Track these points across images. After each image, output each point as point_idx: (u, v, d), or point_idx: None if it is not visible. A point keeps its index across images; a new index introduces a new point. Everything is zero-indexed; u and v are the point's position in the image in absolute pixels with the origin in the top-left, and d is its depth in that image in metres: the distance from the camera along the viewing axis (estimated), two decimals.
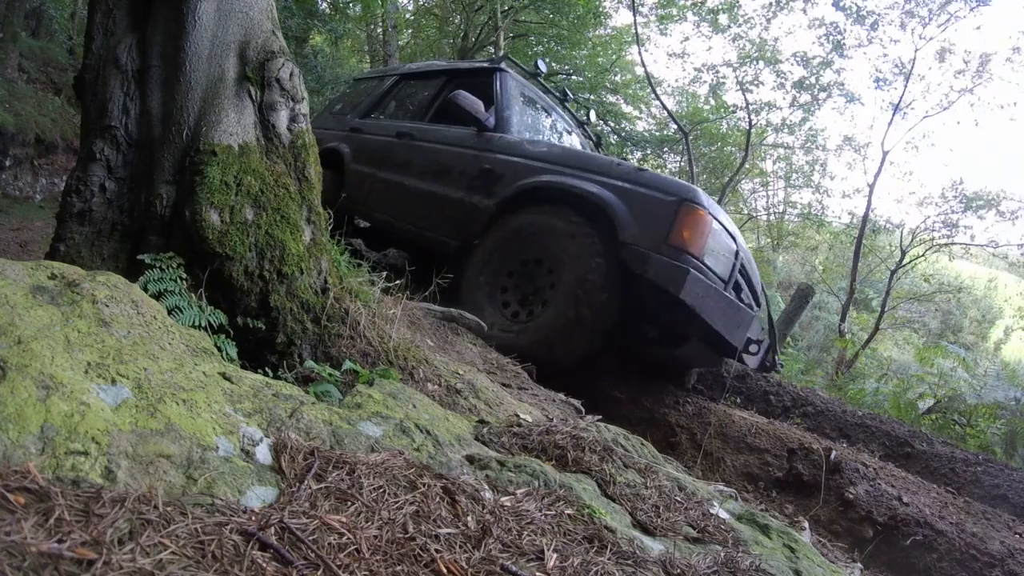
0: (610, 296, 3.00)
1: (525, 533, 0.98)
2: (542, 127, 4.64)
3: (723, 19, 13.50)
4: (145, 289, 1.63)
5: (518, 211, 3.49)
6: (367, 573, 0.76)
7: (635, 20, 11.21)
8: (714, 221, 3.05)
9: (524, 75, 4.99)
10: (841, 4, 11.94)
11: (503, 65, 4.50)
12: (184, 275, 1.78)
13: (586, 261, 3.05)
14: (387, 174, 4.51)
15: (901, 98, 12.53)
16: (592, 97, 14.80)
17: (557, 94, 5.15)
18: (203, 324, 1.72)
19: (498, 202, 3.61)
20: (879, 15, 12.26)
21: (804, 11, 17.61)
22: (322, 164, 4.90)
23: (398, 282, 2.85)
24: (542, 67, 4.91)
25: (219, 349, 1.66)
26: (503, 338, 3.18)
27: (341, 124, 5.32)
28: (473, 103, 3.94)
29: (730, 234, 3.25)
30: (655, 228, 2.97)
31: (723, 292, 3.07)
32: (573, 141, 4.96)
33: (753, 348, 3.52)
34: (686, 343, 3.72)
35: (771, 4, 12.96)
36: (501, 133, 3.97)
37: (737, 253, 3.28)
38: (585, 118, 5.40)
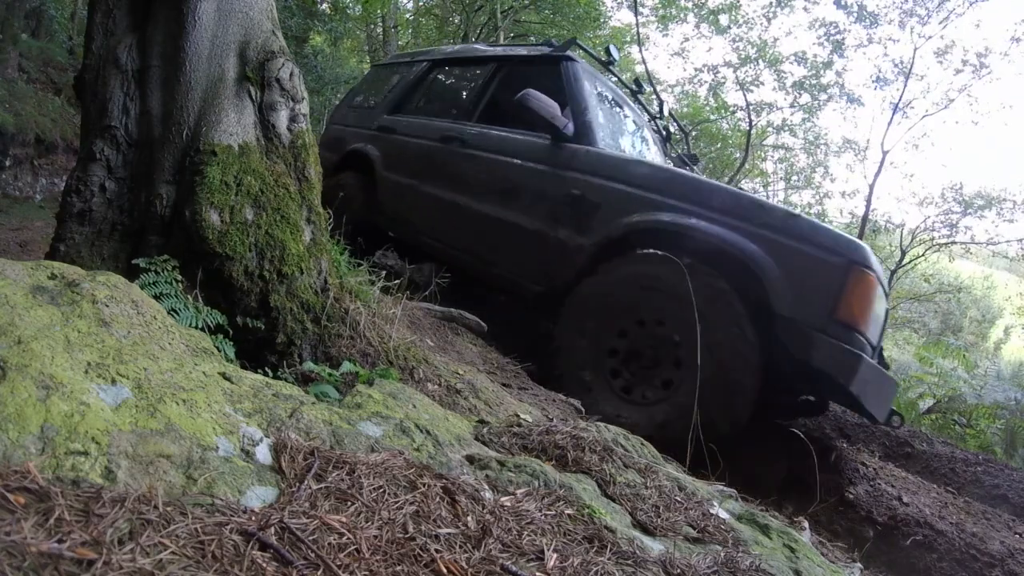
0: (759, 364, 2.45)
1: (525, 533, 0.98)
2: (620, 132, 3.75)
3: (723, 20, 13.51)
4: None
5: (625, 257, 2.75)
6: (367, 573, 0.76)
7: (636, 20, 11.22)
8: (879, 284, 2.48)
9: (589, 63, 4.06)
10: (843, 3, 11.94)
11: (570, 52, 3.60)
12: (179, 277, 1.78)
13: (729, 328, 2.45)
14: (433, 189, 3.74)
15: (901, 97, 12.55)
16: None
17: (631, 86, 4.22)
18: (200, 325, 1.72)
19: (598, 243, 2.85)
20: (877, 15, 12.28)
21: (806, 9, 17.61)
22: (349, 168, 4.58)
23: (396, 282, 2.84)
24: (615, 54, 3.94)
25: (217, 349, 1.66)
26: (624, 422, 2.41)
27: (365, 120, 4.59)
28: (548, 106, 3.11)
29: (885, 291, 2.67)
30: (819, 298, 2.38)
31: (878, 367, 2.57)
32: (652, 148, 4.16)
33: (896, 421, 2.91)
34: (822, 413, 3.19)
35: (771, 4, 12.96)
36: (586, 145, 3.13)
37: (887, 311, 2.72)
38: (658, 112, 4.57)
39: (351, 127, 4.73)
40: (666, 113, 4.68)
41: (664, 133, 4.66)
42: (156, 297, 1.66)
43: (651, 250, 2.64)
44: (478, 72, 4.13)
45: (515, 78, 3.86)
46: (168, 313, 1.63)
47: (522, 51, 4.11)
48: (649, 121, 4.42)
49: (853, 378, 2.34)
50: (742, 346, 2.42)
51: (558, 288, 2.95)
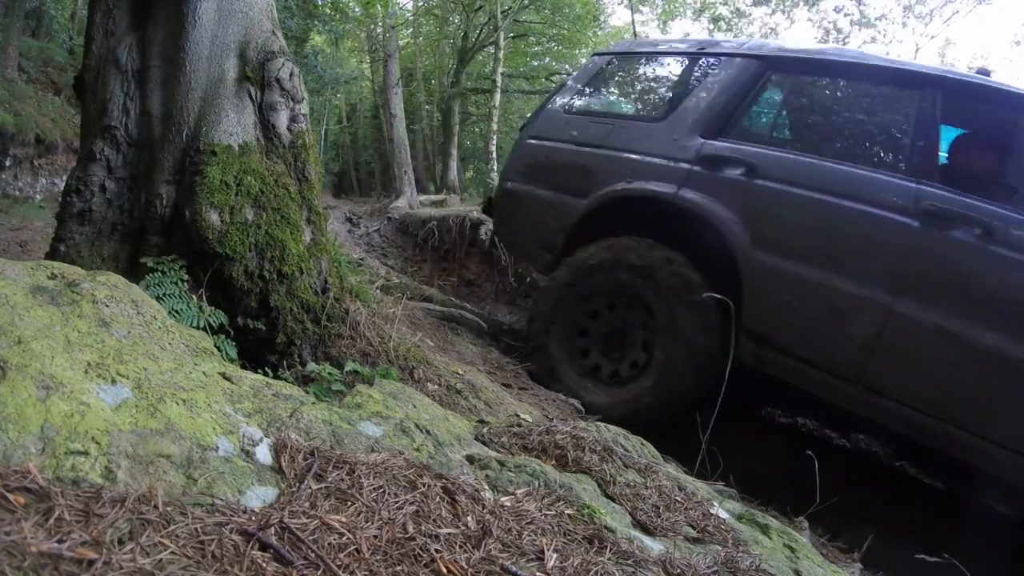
0: None
1: (525, 533, 0.98)
2: None
3: (723, 24, 13.52)
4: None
5: None
6: (367, 573, 0.76)
7: (633, 20, 11.24)
8: None
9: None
10: (841, 7, 11.97)
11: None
12: (185, 277, 1.78)
13: None
14: (946, 319, 2.13)
15: None
16: None
17: None
18: (202, 325, 1.72)
19: None
20: (878, 17, 12.30)
21: (809, 19, 17.64)
22: (616, 227, 2.65)
23: (397, 281, 2.84)
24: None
25: (218, 349, 1.67)
26: None
27: (646, 142, 2.81)
28: None
29: None
30: None
31: None
32: None
33: None
34: None
35: (772, 11, 12.97)
36: None
37: None
38: None
39: (605, 149, 2.90)
40: None
41: None
42: (160, 297, 1.67)
43: None
44: (891, 97, 2.59)
45: (974, 119, 2.53)
46: (171, 313, 1.64)
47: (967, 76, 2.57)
48: None
49: None
50: None
51: None
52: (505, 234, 3.43)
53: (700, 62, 3.02)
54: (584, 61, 3.59)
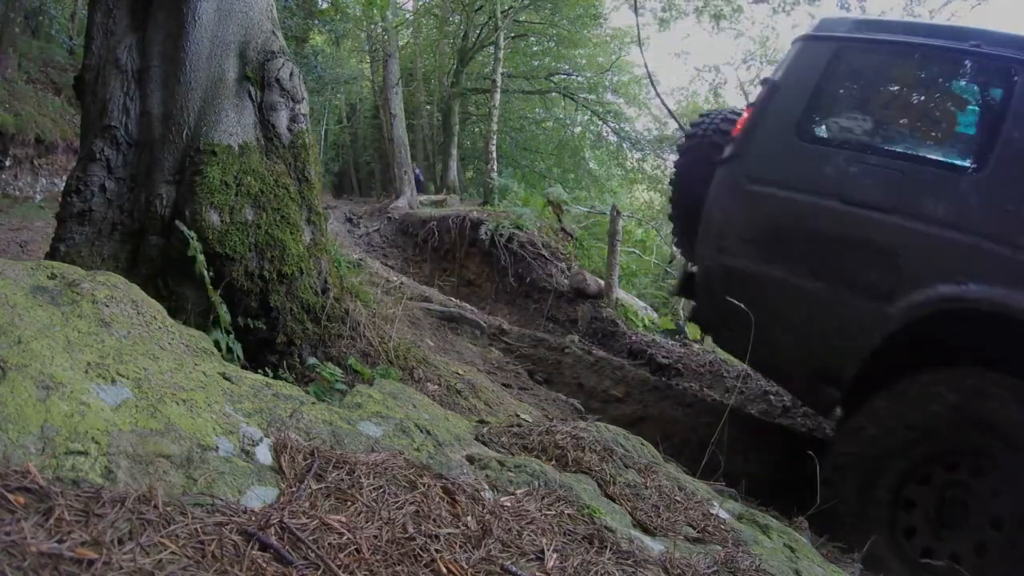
0: None
1: (525, 533, 0.98)
2: None
3: (724, 23, 13.51)
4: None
5: None
6: (367, 573, 0.76)
7: (637, 21, 11.23)
8: None
9: None
10: (846, 4, 11.96)
11: None
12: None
13: None
14: None
15: None
16: (592, 97, 14.84)
17: None
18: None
19: None
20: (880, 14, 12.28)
21: (811, 16, 17.61)
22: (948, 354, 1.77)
23: (400, 282, 2.84)
24: None
25: (228, 349, 1.67)
26: None
27: (978, 210, 1.86)
28: None
29: None
30: None
31: None
32: None
33: None
34: None
35: (774, 9, 12.96)
36: None
37: None
38: None
39: (904, 218, 1.96)
40: None
41: None
42: None
43: None
44: None
45: None
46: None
47: None
48: None
49: None
50: None
51: None
52: (734, 341, 2.30)
53: (989, 67, 1.99)
54: (787, 49, 2.35)
